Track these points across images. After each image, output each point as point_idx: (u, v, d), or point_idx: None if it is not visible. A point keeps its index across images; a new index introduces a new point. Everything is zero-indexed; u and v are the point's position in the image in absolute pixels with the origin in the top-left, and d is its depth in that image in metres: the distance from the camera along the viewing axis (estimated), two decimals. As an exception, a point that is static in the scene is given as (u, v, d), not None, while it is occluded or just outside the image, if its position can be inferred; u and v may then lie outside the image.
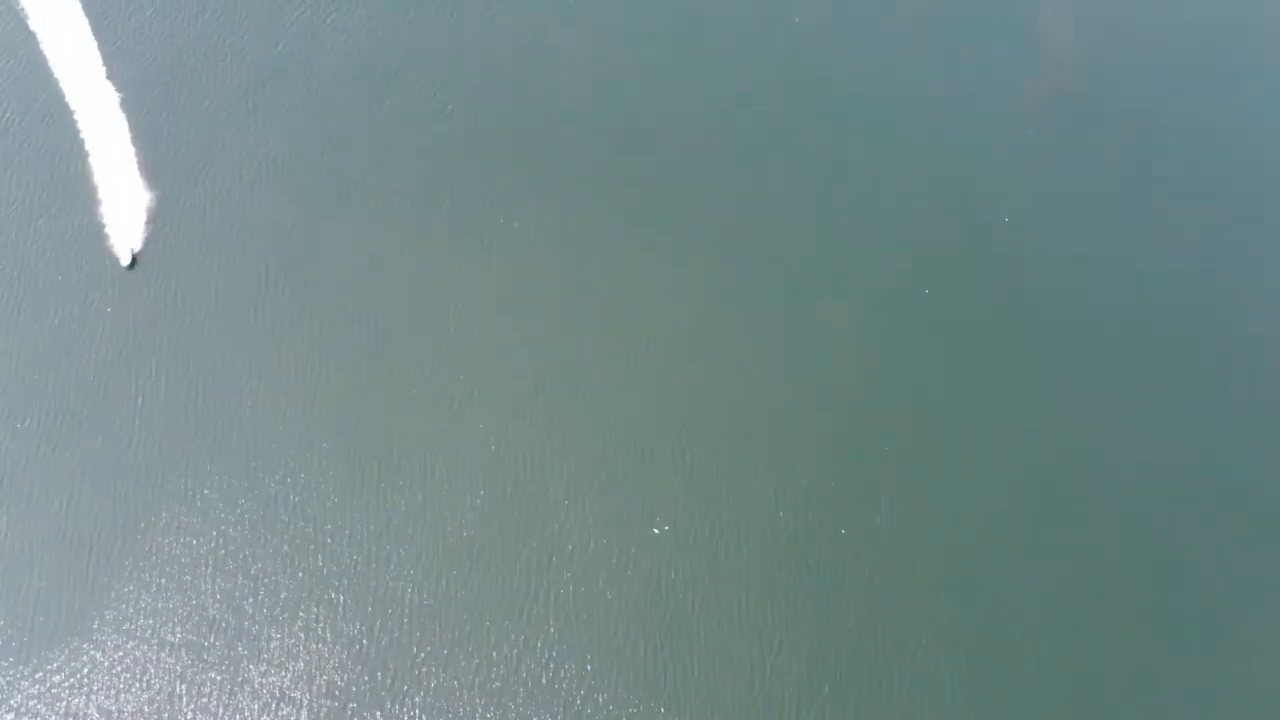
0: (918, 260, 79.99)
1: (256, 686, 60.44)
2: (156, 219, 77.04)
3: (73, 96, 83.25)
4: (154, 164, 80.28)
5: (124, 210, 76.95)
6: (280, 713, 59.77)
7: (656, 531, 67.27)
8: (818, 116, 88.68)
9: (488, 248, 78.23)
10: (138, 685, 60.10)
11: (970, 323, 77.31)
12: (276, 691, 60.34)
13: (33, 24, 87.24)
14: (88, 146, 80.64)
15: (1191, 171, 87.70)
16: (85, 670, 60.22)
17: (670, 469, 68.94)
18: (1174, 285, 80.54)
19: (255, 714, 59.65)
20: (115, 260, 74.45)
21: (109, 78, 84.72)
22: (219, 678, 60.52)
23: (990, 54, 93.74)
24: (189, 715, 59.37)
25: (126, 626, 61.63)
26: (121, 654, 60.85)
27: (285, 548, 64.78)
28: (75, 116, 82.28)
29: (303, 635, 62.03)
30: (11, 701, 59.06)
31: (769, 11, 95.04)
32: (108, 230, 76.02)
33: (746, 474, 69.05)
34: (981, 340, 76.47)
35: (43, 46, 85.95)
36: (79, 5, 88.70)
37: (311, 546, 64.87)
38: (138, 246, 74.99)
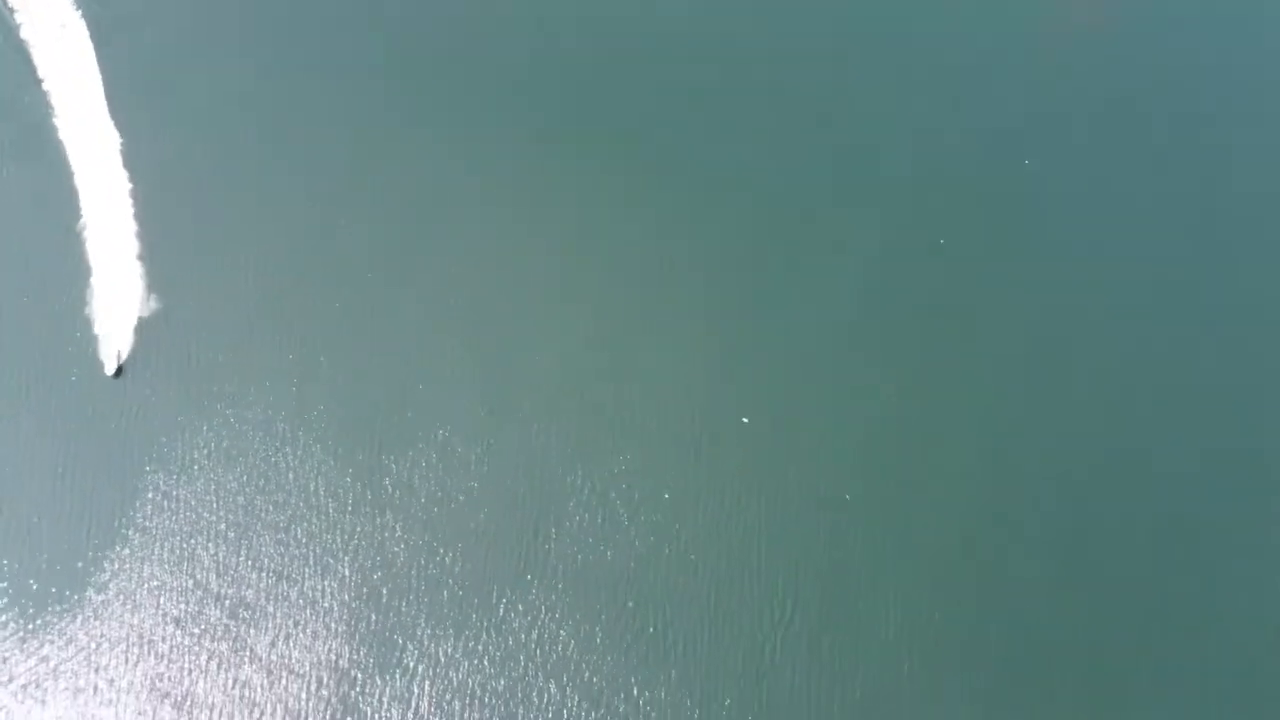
0: (933, 208, 77.63)
1: (260, 658, 60.06)
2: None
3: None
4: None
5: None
6: (284, 683, 59.42)
7: (746, 420, 67.46)
8: (832, 53, 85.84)
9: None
10: (142, 657, 59.81)
11: (985, 274, 74.99)
12: (280, 662, 59.94)
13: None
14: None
15: (1227, 113, 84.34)
16: (90, 643, 59.96)
17: (677, 438, 67.56)
18: (1204, 232, 77.72)
19: (260, 684, 59.32)
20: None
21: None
22: (223, 649, 60.18)
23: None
24: (193, 687, 59.09)
25: (128, 599, 61.22)
26: (124, 627, 60.52)
27: (283, 519, 64.02)
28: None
29: (304, 606, 61.47)
30: (16, 674, 58.92)
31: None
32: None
33: (753, 438, 67.66)
34: (997, 293, 74.12)
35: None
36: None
37: (310, 516, 64.08)
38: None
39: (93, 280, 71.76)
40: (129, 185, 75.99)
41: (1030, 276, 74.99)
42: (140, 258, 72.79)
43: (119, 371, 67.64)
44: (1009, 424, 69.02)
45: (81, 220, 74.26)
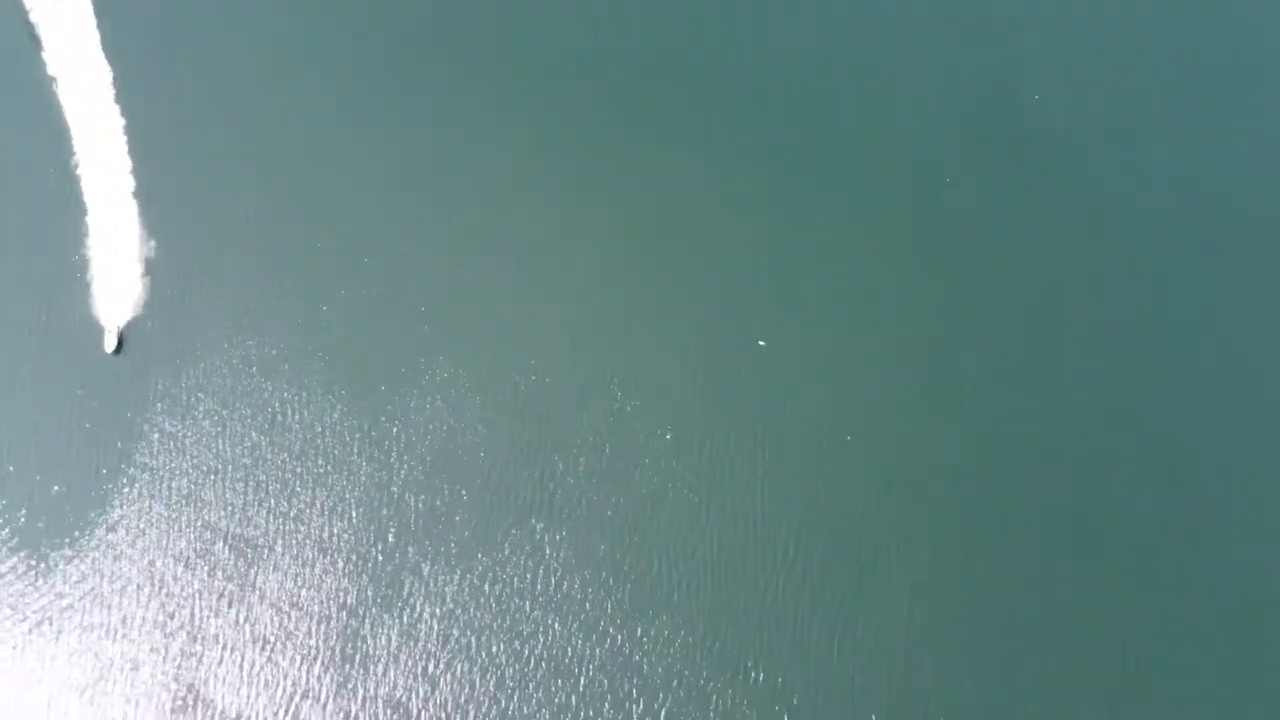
0: (940, 144, 76.59)
1: (268, 595, 60.85)
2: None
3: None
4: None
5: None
6: (292, 619, 60.27)
7: (762, 343, 67.68)
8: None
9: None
10: (152, 594, 60.64)
11: (994, 212, 74.35)
12: (288, 599, 60.74)
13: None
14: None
15: (1243, 50, 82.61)
16: (100, 582, 60.78)
17: (683, 381, 67.61)
18: (1216, 169, 76.80)
19: (268, 620, 60.18)
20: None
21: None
22: (231, 587, 60.95)
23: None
24: (203, 623, 59.98)
25: (137, 538, 61.90)
26: (134, 565, 61.26)
27: (289, 460, 64.38)
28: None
29: (310, 545, 62.12)
30: (28, 612, 59.80)
31: None
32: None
33: (756, 382, 67.58)
34: (1004, 232, 73.49)
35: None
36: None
37: (316, 457, 64.40)
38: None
39: (89, 220, 71.27)
40: (123, 122, 74.94)
41: (1036, 209, 74.37)
42: (136, 195, 72.01)
43: (119, 346, 66.84)
44: (1014, 365, 68.85)
45: (75, 157, 73.33)
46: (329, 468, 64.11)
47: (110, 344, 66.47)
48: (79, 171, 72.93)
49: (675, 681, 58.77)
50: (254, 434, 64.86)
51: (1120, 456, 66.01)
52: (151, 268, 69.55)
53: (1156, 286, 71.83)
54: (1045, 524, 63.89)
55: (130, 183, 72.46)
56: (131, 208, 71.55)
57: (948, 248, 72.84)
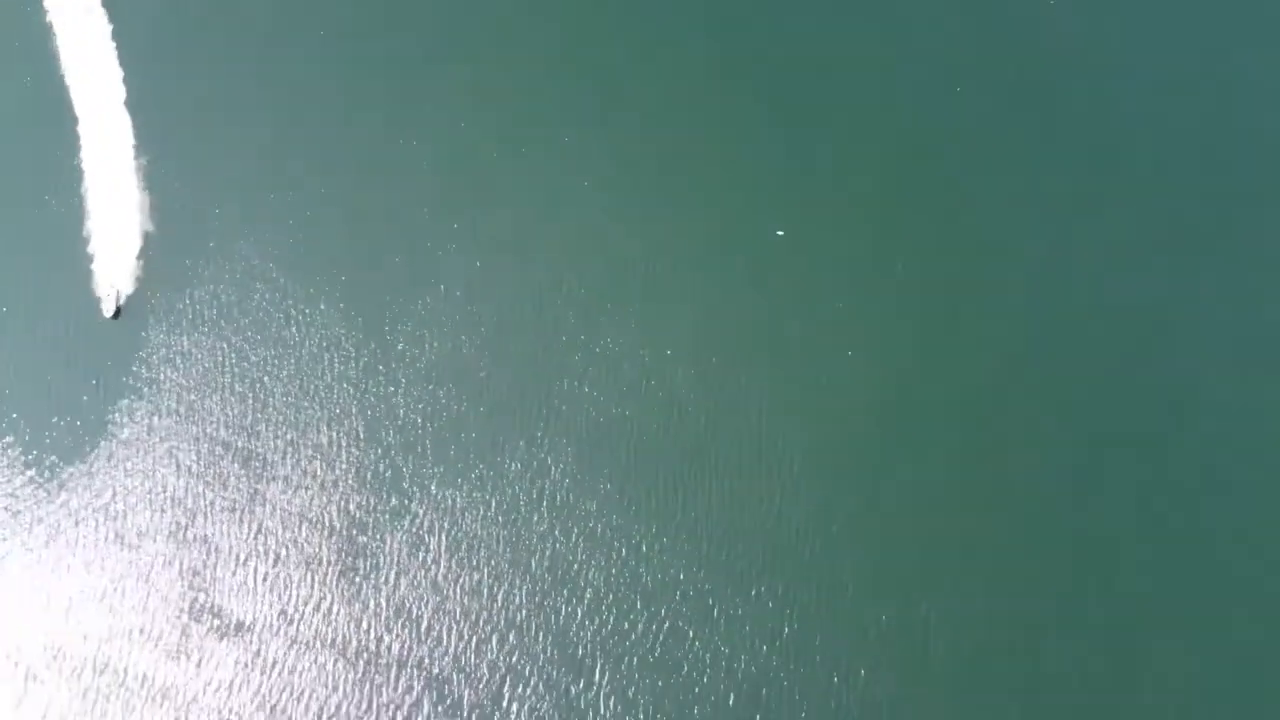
0: (946, 58, 74.45)
1: (274, 506, 61.67)
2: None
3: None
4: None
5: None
6: (299, 529, 61.14)
7: (780, 232, 67.47)
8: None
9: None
10: (160, 506, 61.58)
11: (1000, 128, 72.51)
12: (294, 511, 61.55)
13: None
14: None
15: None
16: (108, 493, 61.76)
17: (685, 303, 67.23)
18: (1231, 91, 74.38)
19: (275, 531, 61.06)
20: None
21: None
22: (238, 498, 61.80)
23: None
24: (212, 534, 60.94)
25: (143, 451, 62.72)
26: (141, 477, 62.14)
27: (292, 373, 64.68)
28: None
29: (315, 457, 62.72)
30: (39, 529, 60.95)
31: None
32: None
33: (760, 299, 67.25)
34: (1011, 150, 71.84)
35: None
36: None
37: (319, 370, 64.73)
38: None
39: (80, 128, 70.81)
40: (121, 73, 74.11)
41: (1053, 119, 72.70)
42: (125, 104, 71.31)
43: (118, 313, 66.08)
44: (1034, 276, 67.91)
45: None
46: (333, 382, 64.44)
47: (109, 309, 65.87)
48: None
49: (677, 593, 59.38)
50: (257, 348, 65.20)
51: (1132, 367, 65.33)
52: (152, 185, 69.35)
53: (1171, 204, 70.37)
54: (1056, 441, 63.47)
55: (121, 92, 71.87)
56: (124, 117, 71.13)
57: (961, 155, 71.38)
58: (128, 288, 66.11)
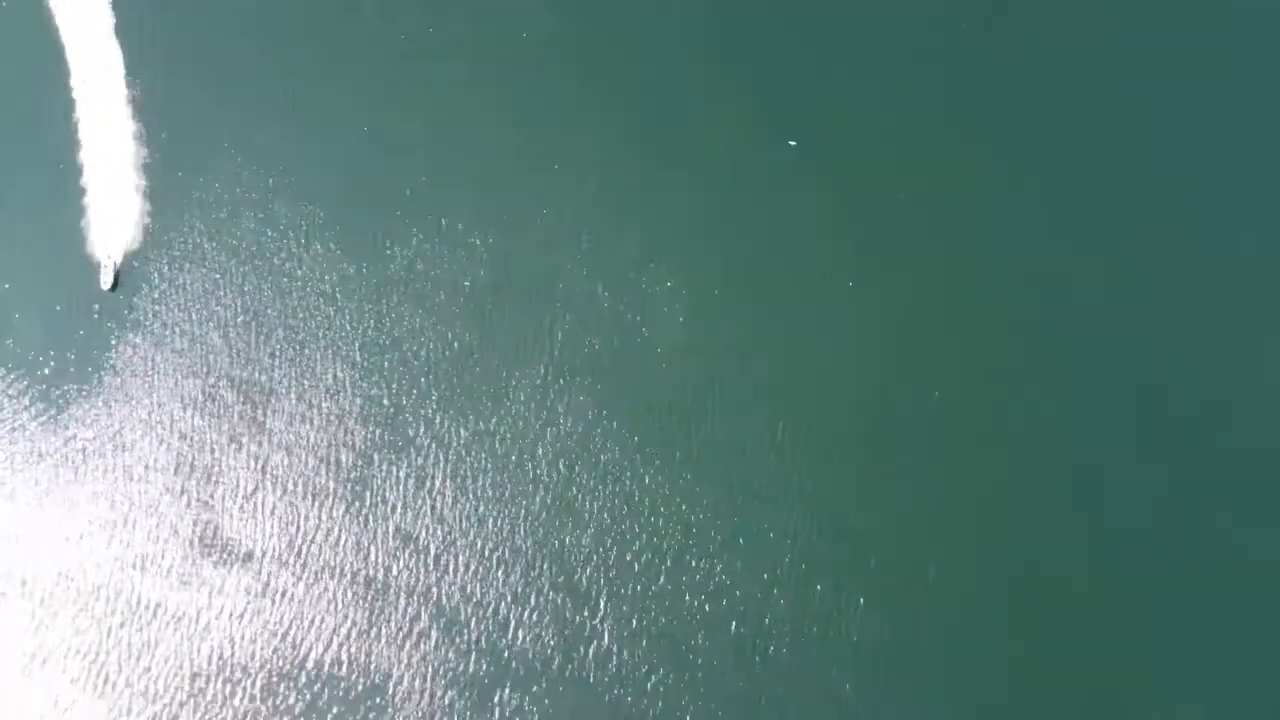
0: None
1: (278, 438, 62.10)
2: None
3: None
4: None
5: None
6: (304, 460, 61.64)
7: (792, 144, 67.17)
8: None
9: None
10: (165, 438, 62.03)
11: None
12: (298, 442, 61.98)
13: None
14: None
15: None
16: (113, 426, 62.18)
17: (692, 233, 66.79)
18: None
19: (280, 462, 61.57)
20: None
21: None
22: (242, 430, 62.19)
23: None
24: (216, 465, 61.50)
25: (146, 384, 62.97)
26: (148, 410, 62.47)
27: (292, 305, 64.62)
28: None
29: (317, 389, 62.95)
30: (47, 452, 61.52)
31: None
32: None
33: (762, 229, 66.77)
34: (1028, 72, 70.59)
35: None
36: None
37: (319, 302, 64.63)
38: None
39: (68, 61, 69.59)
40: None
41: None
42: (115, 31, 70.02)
43: (116, 284, 65.15)
44: (1043, 196, 67.37)
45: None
46: (335, 315, 64.40)
47: (106, 281, 64.80)
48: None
49: (678, 524, 60.09)
50: (258, 282, 65.10)
51: (1135, 326, 65.04)
52: (146, 117, 68.46)
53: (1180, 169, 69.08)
54: (1060, 383, 63.54)
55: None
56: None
57: (976, 83, 70.29)
58: (121, 258, 65.07)
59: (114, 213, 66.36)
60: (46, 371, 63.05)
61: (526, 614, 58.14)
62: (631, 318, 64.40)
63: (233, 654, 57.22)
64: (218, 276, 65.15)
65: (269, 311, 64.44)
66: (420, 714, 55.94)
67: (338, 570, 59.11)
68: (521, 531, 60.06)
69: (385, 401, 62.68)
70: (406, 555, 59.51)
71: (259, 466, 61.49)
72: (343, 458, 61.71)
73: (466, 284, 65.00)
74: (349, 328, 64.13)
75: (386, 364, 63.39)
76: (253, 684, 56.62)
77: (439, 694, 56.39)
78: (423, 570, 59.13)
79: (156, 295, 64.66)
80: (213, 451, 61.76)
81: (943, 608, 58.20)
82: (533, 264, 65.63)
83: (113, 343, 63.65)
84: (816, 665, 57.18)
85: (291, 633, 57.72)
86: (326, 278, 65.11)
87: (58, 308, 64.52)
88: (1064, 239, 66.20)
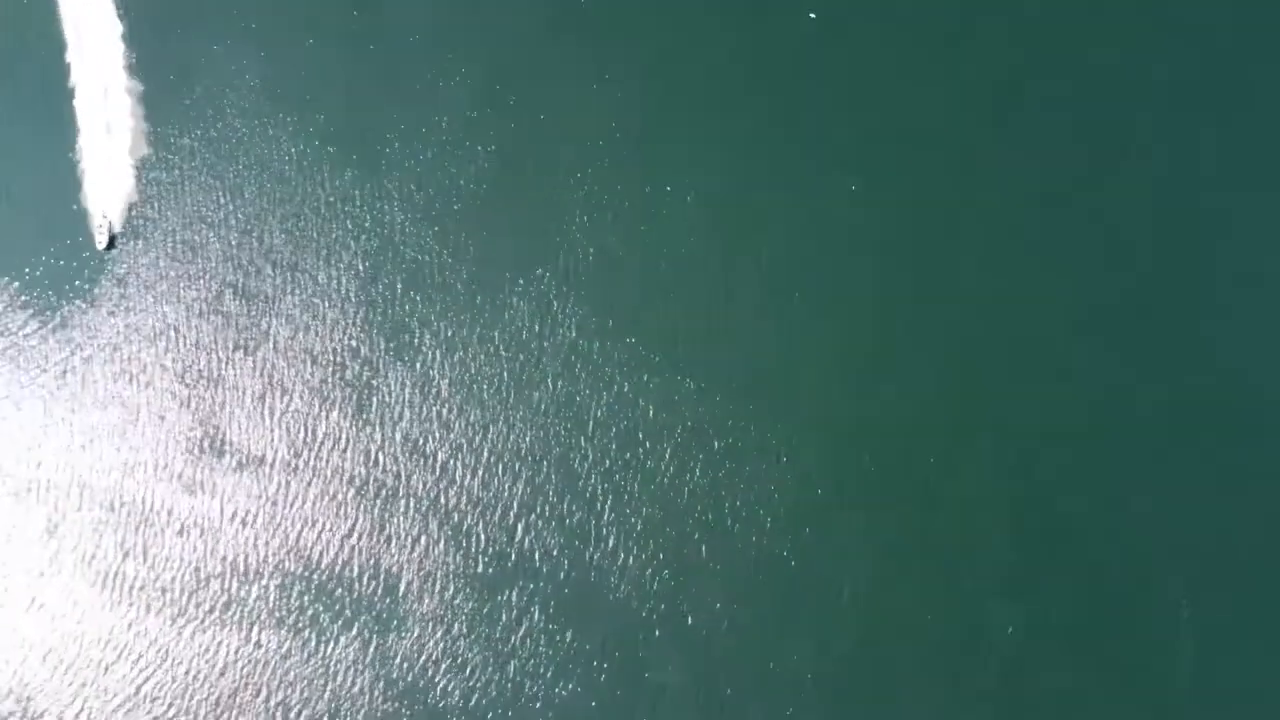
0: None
1: (281, 346, 62.20)
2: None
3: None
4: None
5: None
6: (307, 368, 61.84)
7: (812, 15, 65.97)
8: None
9: None
10: (169, 346, 62.09)
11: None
12: (300, 349, 62.08)
13: None
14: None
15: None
16: (116, 334, 62.21)
17: (696, 138, 65.67)
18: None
19: (283, 369, 61.74)
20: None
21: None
22: (245, 338, 62.25)
23: None
24: (221, 373, 61.68)
25: (147, 291, 62.76)
26: (147, 318, 62.42)
27: (290, 210, 63.97)
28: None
29: (318, 295, 62.79)
30: (51, 362, 61.65)
31: None
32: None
33: (769, 134, 65.86)
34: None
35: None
36: None
37: (318, 207, 64.00)
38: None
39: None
40: None
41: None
42: None
43: (111, 243, 63.42)
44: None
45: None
46: (333, 219, 63.85)
47: (101, 240, 63.14)
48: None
49: (680, 428, 60.65)
50: (251, 186, 64.28)
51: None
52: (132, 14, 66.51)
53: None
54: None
55: None
56: None
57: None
58: (118, 219, 63.28)
59: (104, 120, 64.98)
60: (47, 281, 62.69)
61: (532, 517, 59.12)
62: (637, 224, 63.85)
63: (243, 558, 58.32)
64: (213, 180, 64.25)
65: (267, 216, 63.80)
66: (429, 615, 57.36)
67: (344, 476, 59.84)
68: (526, 436, 60.62)
69: (390, 310, 62.56)
70: (413, 461, 60.18)
71: (261, 372, 61.68)
72: (345, 363, 61.89)
73: (468, 186, 64.19)
74: (348, 231, 63.64)
75: (387, 267, 63.11)
76: (264, 587, 57.89)
77: (447, 595, 57.74)
78: (429, 475, 59.88)
79: (155, 205, 63.82)
80: (216, 357, 61.85)
81: (950, 513, 59.32)
82: (537, 170, 64.70)
83: (114, 252, 63.12)
84: (819, 565, 58.44)
85: (302, 537, 58.73)
86: (323, 181, 64.30)
87: (56, 217, 63.70)
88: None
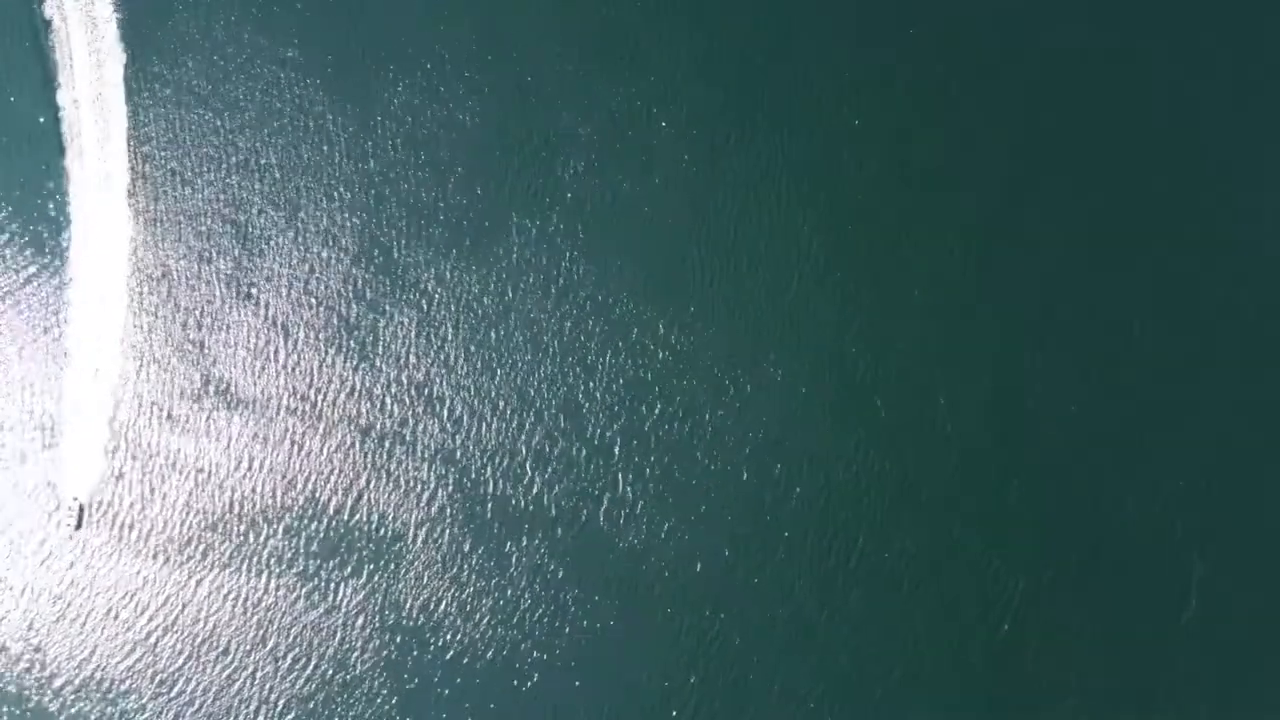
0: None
1: (282, 289, 60.81)
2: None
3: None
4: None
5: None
6: (308, 309, 60.56)
7: None
8: None
9: None
10: (172, 288, 60.54)
11: None
12: (301, 289, 60.75)
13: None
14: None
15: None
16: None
17: (698, 78, 63.31)
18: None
19: (285, 311, 60.48)
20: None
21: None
22: (247, 281, 60.80)
23: None
24: (220, 315, 60.38)
25: (145, 233, 60.78)
26: (149, 255, 60.61)
27: (288, 148, 61.94)
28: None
29: (318, 236, 61.17)
30: (47, 311, 59.96)
31: None
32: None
33: (779, 76, 63.64)
34: None
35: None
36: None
37: (319, 145, 61.95)
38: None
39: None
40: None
41: None
42: None
43: (80, 523, 58.85)
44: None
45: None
46: (331, 156, 61.89)
47: (70, 521, 58.24)
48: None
49: (689, 372, 59.79)
50: (246, 130, 62.02)
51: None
52: None
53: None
54: (1067, 216, 62.41)
55: None
56: None
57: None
58: (87, 499, 58.37)
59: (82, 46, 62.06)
60: (34, 213, 60.72)
61: (540, 464, 58.59)
62: (645, 161, 61.98)
63: (247, 502, 57.83)
64: (207, 117, 61.86)
65: (261, 155, 61.71)
66: (435, 561, 57.19)
67: (346, 419, 59.08)
68: (533, 380, 59.75)
69: (394, 252, 61.01)
70: (418, 406, 59.38)
71: (261, 314, 60.42)
72: (347, 303, 60.68)
73: (469, 123, 61.99)
74: (347, 171, 61.79)
75: (384, 209, 61.38)
76: (272, 530, 57.51)
77: (454, 542, 57.48)
78: (431, 419, 59.15)
79: (145, 138, 61.49)
80: (213, 299, 60.41)
81: (963, 459, 58.98)
82: (542, 107, 62.56)
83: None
84: (828, 510, 58.27)
85: (308, 481, 58.19)
86: (321, 118, 62.20)
87: (43, 166, 61.34)
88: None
